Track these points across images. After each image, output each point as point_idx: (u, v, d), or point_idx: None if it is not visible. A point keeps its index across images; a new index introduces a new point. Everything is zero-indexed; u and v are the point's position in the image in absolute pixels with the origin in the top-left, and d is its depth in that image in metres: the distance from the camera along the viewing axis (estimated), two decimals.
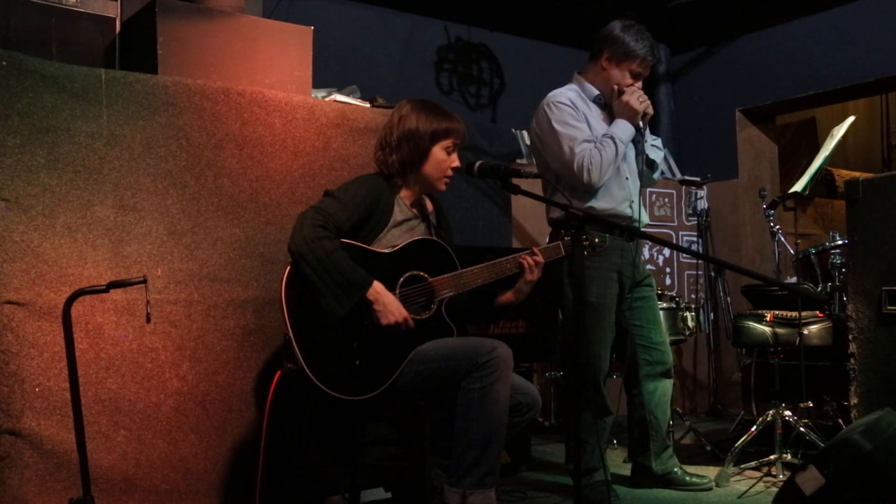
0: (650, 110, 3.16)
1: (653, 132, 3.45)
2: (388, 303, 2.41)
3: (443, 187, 2.67)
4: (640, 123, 3.14)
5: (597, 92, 3.25)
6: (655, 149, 3.32)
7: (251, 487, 2.60)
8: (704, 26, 6.02)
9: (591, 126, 3.15)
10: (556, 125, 3.12)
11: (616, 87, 3.17)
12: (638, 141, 3.18)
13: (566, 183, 3.12)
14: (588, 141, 3.08)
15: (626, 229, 2.93)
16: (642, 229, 3.19)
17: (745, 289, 4.47)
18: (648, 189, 5.57)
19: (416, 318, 2.49)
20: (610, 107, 3.24)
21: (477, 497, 2.30)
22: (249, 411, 2.84)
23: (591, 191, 3.12)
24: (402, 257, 2.53)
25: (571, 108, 3.14)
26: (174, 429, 2.69)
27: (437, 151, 2.61)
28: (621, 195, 3.19)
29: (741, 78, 5.80)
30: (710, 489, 3.30)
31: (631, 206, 3.21)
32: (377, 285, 2.41)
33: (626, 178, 3.21)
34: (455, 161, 2.64)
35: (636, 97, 3.12)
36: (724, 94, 5.91)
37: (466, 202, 4.25)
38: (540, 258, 2.61)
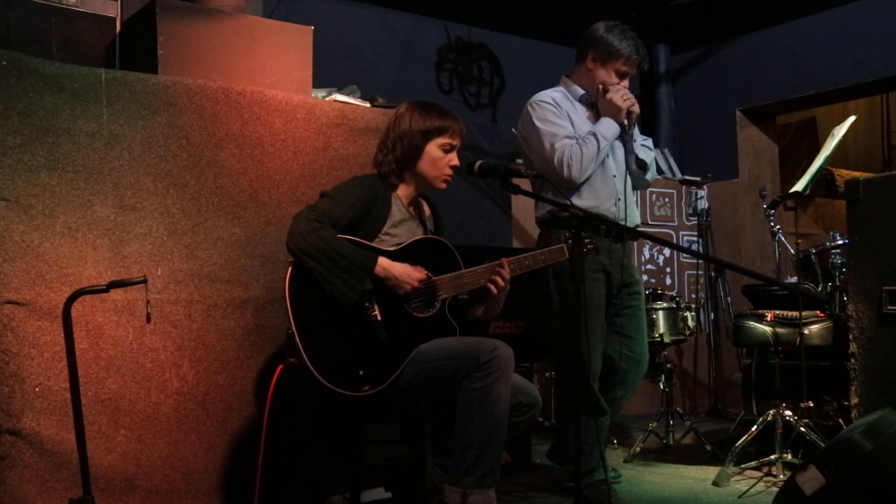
0: (635, 108, 3.15)
1: (653, 132, 3.45)
2: (398, 274, 2.43)
3: (442, 186, 2.66)
4: (625, 121, 3.14)
5: (582, 92, 3.26)
6: (646, 149, 3.31)
7: (251, 487, 2.60)
8: (704, 26, 6.02)
9: (574, 124, 3.16)
10: (537, 122, 3.14)
11: (601, 85, 3.18)
12: (626, 140, 3.18)
13: (550, 183, 3.10)
14: (569, 137, 3.09)
15: (614, 225, 2.89)
16: (633, 228, 3.18)
17: (746, 289, 4.47)
18: (649, 188, 5.58)
19: (419, 317, 2.49)
20: (597, 106, 3.24)
21: (477, 497, 2.30)
22: (250, 411, 2.83)
23: (573, 187, 3.11)
24: (405, 255, 2.53)
25: (553, 106, 3.16)
26: (174, 429, 2.69)
27: (432, 149, 2.61)
28: (606, 193, 3.17)
29: (741, 78, 5.80)
30: (619, 483, 3.41)
31: (617, 205, 3.19)
32: (383, 260, 2.42)
33: (614, 176, 3.20)
34: (454, 160, 2.63)
35: (620, 95, 3.12)
36: (724, 94, 5.91)
37: (466, 202, 4.25)
38: (506, 273, 2.56)
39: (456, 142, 2.64)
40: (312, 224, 2.38)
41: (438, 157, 2.61)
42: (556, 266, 3.09)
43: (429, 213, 2.80)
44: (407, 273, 2.45)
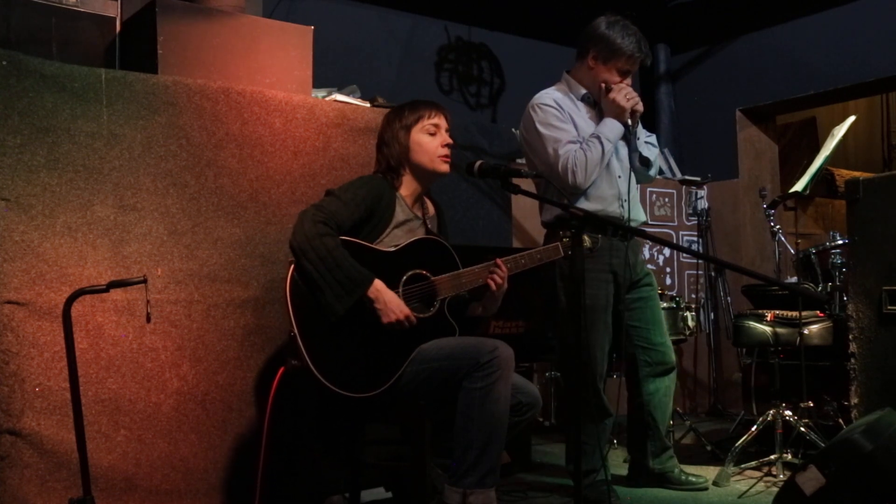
0: (639, 107, 3.10)
1: (654, 132, 3.42)
2: (388, 301, 2.41)
3: (443, 167, 2.66)
4: (629, 121, 3.09)
5: (584, 91, 3.21)
6: (649, 146, 3.26)
7: (251, 487, 2.60)
8: (704, 26, 6.02)
9: (577, 126, 3.11)
10: (539, 127, 3.09)
11: (603, 84, 3.12)
12: (630, 139, 3.14)
13: (554, 186, 3.06)
14: (573, 142, 3.04)
15: (620, 227, 2.87)
16: (639, 228, 3.16)
17: (746, 288, 4.47)
18: (649, 189, 5.58)
19: (418, 317, 2.49)
20: (599, 105, 3.19)
21: (477, 497, 2.30)
22: (250, 411, 2.83)
23: (578, 192, 3.08)
24: (404, 256, 2.54)
25: (556, 110, 3.10)
26: (174, 429, 2.69)
27: (418, 136, 2.64)
28: (611, 194, 3.14)
29: (741, 78, 5.80)
30: (706, 489, 3.29)
31: (622, 205, 3.16)
32: (378, 283, 2.41)
33: (619, 177, 3.16)
34: (445, 139, 2.66)
35: (623, 94, 3.07)
36: (724, 94, 5.91)
37: (466, 202, 4.25)
38: (503, 271, 2.59)
39: (437, 120, 2.66)
40: (319, 227, 2.38)
41: (426, 141, 2.64)
42: (563, 267, 3.07)
43: (433, 212, 2.80)
44: (397, 305, 2.43)
